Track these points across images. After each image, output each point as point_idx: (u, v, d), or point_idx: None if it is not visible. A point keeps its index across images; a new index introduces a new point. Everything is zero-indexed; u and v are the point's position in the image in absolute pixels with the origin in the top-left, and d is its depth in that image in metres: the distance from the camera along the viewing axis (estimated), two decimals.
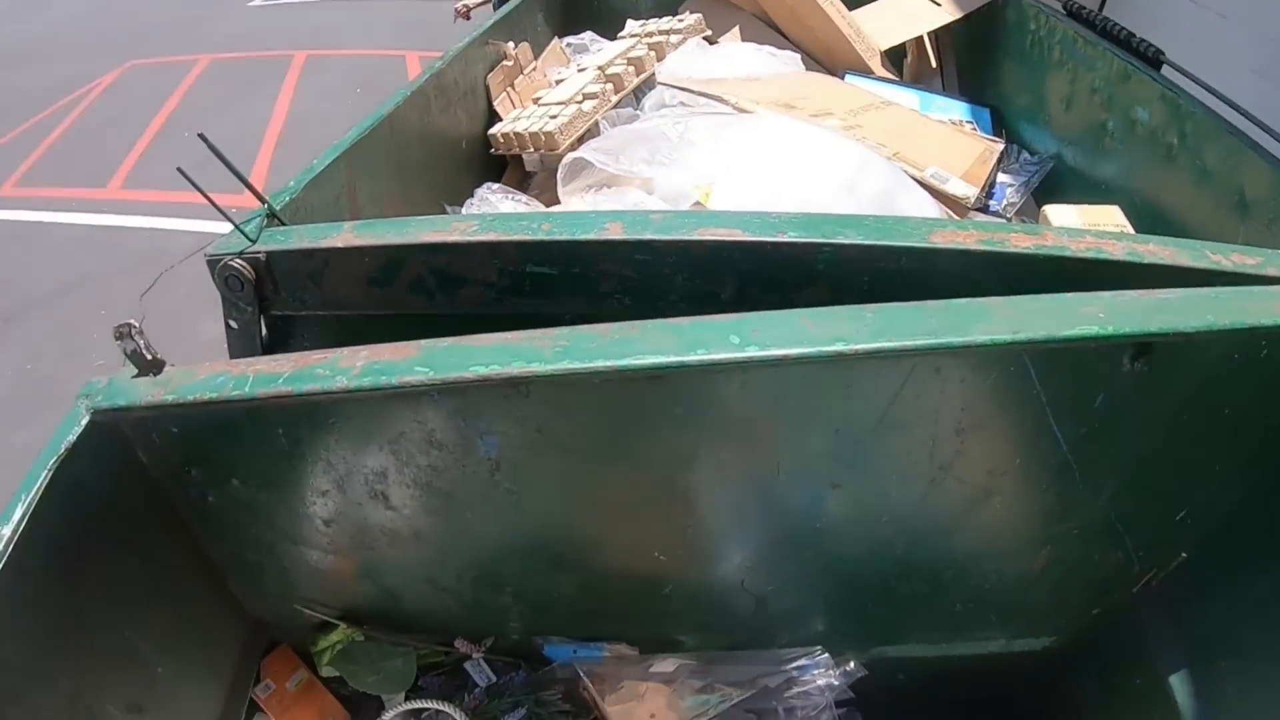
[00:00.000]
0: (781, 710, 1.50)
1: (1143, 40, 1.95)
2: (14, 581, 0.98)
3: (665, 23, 2.74)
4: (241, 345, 1.44)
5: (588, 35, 2.97)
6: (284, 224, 1.43)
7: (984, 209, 2.09)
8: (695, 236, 1.20)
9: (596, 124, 2.18)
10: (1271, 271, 1.12)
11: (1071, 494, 1.17)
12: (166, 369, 1.11)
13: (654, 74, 2.39)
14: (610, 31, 2.93)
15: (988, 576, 1.36)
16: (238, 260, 1.34)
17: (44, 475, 1.03)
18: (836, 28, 2.56)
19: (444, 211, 2.04)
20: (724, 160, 1.67)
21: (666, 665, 1.44)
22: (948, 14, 2.64)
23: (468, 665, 1.49)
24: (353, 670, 1.49)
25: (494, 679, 1.49)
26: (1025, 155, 2.35)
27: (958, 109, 2.51)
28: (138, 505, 1.20)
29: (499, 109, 2.43)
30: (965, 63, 2.82)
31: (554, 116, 2.18)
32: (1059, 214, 1.70)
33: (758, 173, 1.65)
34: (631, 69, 2.36)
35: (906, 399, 1.01)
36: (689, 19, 2.67)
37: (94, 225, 5.13)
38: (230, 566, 1.39)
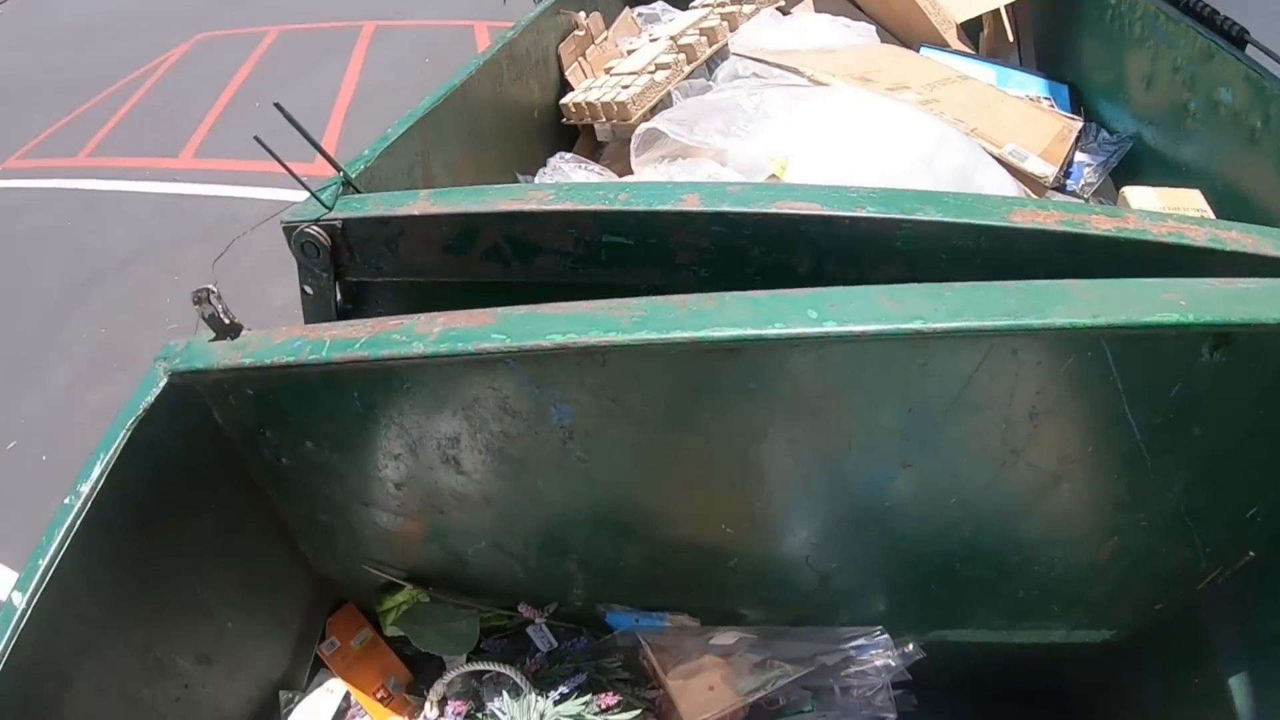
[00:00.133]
0: (838, 689, 1.49)
1: (1227, 18, 1.86)
2: (92, 537, 1.03)
3: None
4: (316, 310, 1.47)
5: (659, 5, 2.94)
6: (359, 192, 1.45)
7: (1060, 188, 2.04)
8: (773, 210, 1.19)
9: (669, 94, 2.17)
10: None
11: (1142, 484, 1.15)
12: (243, 333, 1.14)
13: (727, 45, 2.36)
14: (682, 1, 2.90)
15: (1053, 564, 1.33)
16: (314, 227, 1.37)
17: (122, 435, 1.06)
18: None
19: (516, 180, 2.05)
20: (800, 133, 1.65)
21: (727, 638, 1.44)
22: None
23: (530, 630, 1.51)
24: (417, 630, 1.52)
25: (555, 644, 1.51)
26: (1104, 134, 2.27)
27: (1035, 85, 2.44)
28: (212, 465, 1.24)
29: (570, 79, 2.43)
30: (1043, 37, 2.73)
31: (626, 87, 2.17)
32: (1138, 196, 1.66)
33: (834, 146, 1.63)
34: (704, 39, 2.33)
35: (981, 380, 1.00)
36: None
37: (166, 194, 5.23)
38: (300, 526, 1.43)
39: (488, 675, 1.49)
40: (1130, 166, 2.15)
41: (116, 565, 1.12)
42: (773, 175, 1.61)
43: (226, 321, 1.13)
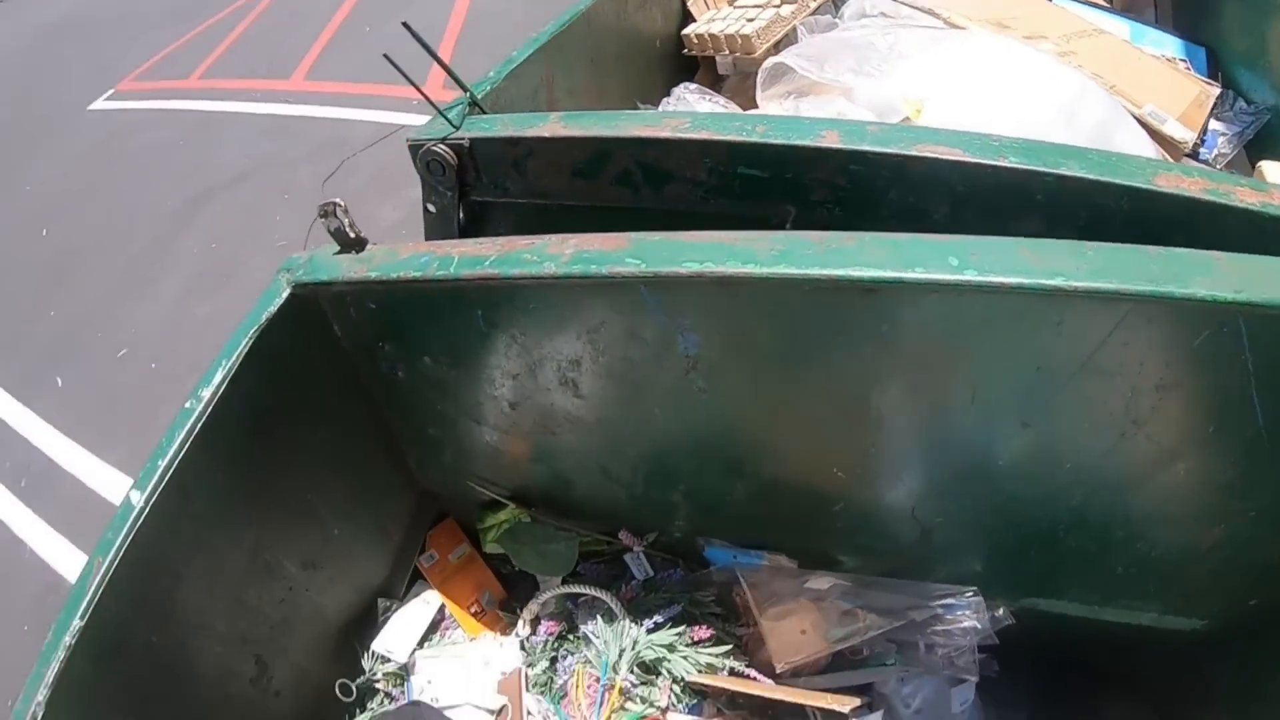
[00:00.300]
0: (923, 645, 1.49)
1: None
2: (211, 441, 1.08)
3: None
4: (439, 228, 1.50)
5: None
6: (484, 113, 1.46)
7: (1194, 155, 1.95)
8: (913, 152, 1.16)
9: (794, 30, 2.12)
10: None
11: (1257, 473, 1.09)
12: (369, 247, 1.16)
13: None
14: None
15: (1155, 544, 1.29)
16: (441, 145, 1.38)
17: (244, 343, 1.11)
18: None
19: (636, 108, 2.04)
20: (936, 76, 1.59)
21: (821, 582, 1.44)
22: None
23: (627, 557, 1.54)
24: (516, 549, 1.57)
25: (651, 574, 1.54)
26: (1240, 103, 2.15)
27: (1170, 44, 2.30)
28: (328, 376, 1.28)
29: (693, 9, 2.38)
30: None
31: (751, 20, 2.13)
32: (1277, 171, 1.56)
33: (972, 92, 1.57)
34: None
35: (1114, 345, 0.96)
36: None
37: (277, 115, 5.35)
38: (410, 440, 1.48)
39: (582, 599, 1.53)
40: (1267, 139, 2.04)
41: (232, 468, 1.17)
42: (906, 118, 1.57)
43: (352, 235, 1.15)
